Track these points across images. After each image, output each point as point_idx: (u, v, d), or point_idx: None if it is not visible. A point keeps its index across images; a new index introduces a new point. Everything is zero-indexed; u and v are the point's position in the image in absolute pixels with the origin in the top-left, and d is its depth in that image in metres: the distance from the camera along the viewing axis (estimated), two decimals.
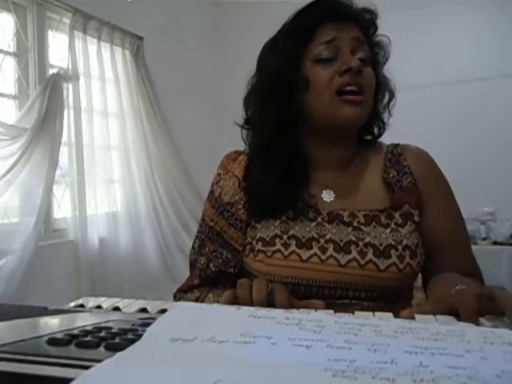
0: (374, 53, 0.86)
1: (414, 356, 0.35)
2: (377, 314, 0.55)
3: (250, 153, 0.90)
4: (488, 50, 3.03)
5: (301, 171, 0.85)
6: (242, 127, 0.91)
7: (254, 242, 0.81)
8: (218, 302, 0.75)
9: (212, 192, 0.90)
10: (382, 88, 0.88)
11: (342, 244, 0.78)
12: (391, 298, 0.77)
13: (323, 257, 0.77)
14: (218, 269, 0.85)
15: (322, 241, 0.78)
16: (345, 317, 0.47)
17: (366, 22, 0.85)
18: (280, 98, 0.82)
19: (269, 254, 0.79)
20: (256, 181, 0.84)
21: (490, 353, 0.36)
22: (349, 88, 0.78)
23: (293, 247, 0.78)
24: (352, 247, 0.77)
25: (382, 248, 0.77)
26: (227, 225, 0.86)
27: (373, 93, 0.82)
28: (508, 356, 0.36)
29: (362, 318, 0.48)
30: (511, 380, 0.31)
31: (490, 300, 0.50)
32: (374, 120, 0.89)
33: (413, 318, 0.52)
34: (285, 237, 0.79)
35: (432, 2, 3.07)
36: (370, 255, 0.76)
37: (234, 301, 0.60)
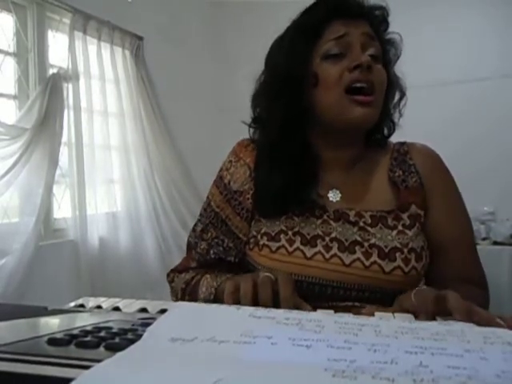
0: (385, 50, 0.84)
1: (414, 356, 0.35)
2: (377, 313, 0.55)
3: (258, 152, 0.88)
4: (487, 51, 3.03)
5: (308, 171, 0.83)
6: (249, 126, 0.90)
7: (259, 236, 0.81)
8: (217, 285, 0.74)
9: (221, 178, 0.89)
10: (393, 87, 0.86)
11: (346, 243, 0.77)
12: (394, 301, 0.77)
13: (327, 255, 0.76)
14: (218, 256, 0.84)
15: (326, 239, 0.78)
16: (345, 317, 0.47)
17: (377, 18, 0.83)
18: (288, 95, 0.81)
19: (273, 249, 0.78)
20: (263, 181, 0.83)
21: (490, 353, 0.36)
22: (358, 85, 0.76)
23: (297, 244, 0.77)
24: (357, 247, 0.76)
25: (387, 250, 0.76)
26: (233, 213, 0.85)
27: (384, 91, 0.80)
28: (508, 356, 0.36)
29: (362, 318, 0.48)
30: (511, 380, 0.31)
31: (444, 302, 0.52)
32: (384, 119, 0.87)
33: (372, 315, 0.54)
34: (290, 233, 0.79)
35: (431, 3, 3.07)
36: (374, 257, 0.75)
37: (236, 293, 0.59)
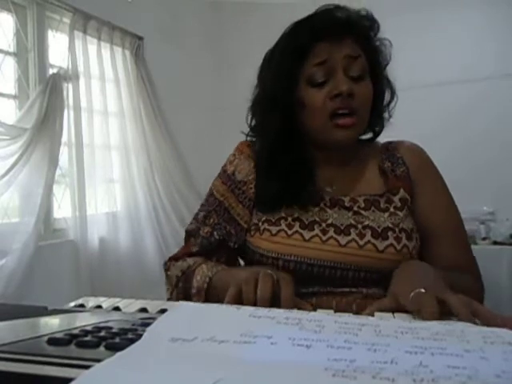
0: (375, 59, 0.87)
1: (413, 356, 0.35)
2: (377, 314, 0.55)
3: (257, 158, 0.93)
4: (485, 51, 3.03)
5: (304, 171, 0.88)
6: (247, 135, 0.95)
7: (260, 223, 0.85)
8: (212, 274, 0.78)
9: (225, 171, 0.94)
10: (383, 91, 0.90)
11: (342, 227, 0.82)
12: (389, 283, 0.77)
13: (324, 238, 0.81)
14: (222, 238, 0.88)
15: (323, 224, 0.82)
16: (345, 316, 0.48)
17: (363, 30, 0.86)
18: (278, 113, 0.86)
19: (274, 232, 0.83)
20: (262, 184, 0.89)
21: (490, 352, 0.36)
22: (340, 112, 0.81)
23: (296, 228, 0.82)
24: (351, 229, 0.81)
25: (380, 230, 0.80)
26: (236, 201, 0.90)
27: (369, 106, 0.85)
28: (508, 356, 0.36)
29: (362, 317, 0.48)
30: (511, 380, 0.31)
31: (444, 303, 0.53)
32: (376, 120, 0.92)
33: (373, 315, 0.55)
34: (289, 219, 0.84)
35: (431, 5, 3.07)
36: (368, 236, 0.80)
37: (238, 295, 0.62)
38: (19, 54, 2.17)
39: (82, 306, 0.60)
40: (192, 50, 3.32)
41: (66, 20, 2.34)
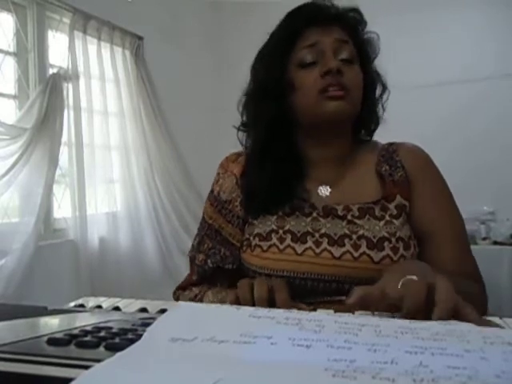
0: (363, 50, 0.88)
1: (414, 356, 0.35)
2: (377, 313, 0.55)
3: (247, 153, 0.93)
4: (485, 51, 3.04)
5: (295, 168, 0.87)
6: (238, 129, 0.94)
7: (251, 238, 0.84)
8: (217, 301, 0.77)
9: (212, 192, 0.94)
10: (373, 83, 0.90)
11: (336, 238, 0.79)
12: None
13: (317, 250, 0.79)
14: (216, 265, 0.87)
15: (316, 235, 0.80)
16: (345, 317, 0.47)
17: (352, 21, 0.88)
18: (270, 101, 0.86)
19: (265, 248, 0.81)
20: (252, 179, 0.87)
21: (490, 353, 0.36)
22: (331, 89, 0.81)
23: (288, 241, 0.80)
24: (346, 240, 0.79)
25: (375, 240, 0.78)
26: (225, 222, 0.89)
27: (360, 89, 0.84)
28: (508, 356, 0.36)
29: (362, 318, 0.48)
30: (511, 380, 0.31)
31: (433, 292, 0.49)
32: (368, 115, 0.91)
33: (359, 300, 0.52)
34: (280, 231, 0.82)
35: (432, 5, 3.07)
36: (363, 248, 0.77)
37: (237, 302, 0.61)
38: (19, 54, 2.17)
39: (81, 306, 0.60)
40: (192, 50, 3.32)
41: (66, 20, 2.34)
